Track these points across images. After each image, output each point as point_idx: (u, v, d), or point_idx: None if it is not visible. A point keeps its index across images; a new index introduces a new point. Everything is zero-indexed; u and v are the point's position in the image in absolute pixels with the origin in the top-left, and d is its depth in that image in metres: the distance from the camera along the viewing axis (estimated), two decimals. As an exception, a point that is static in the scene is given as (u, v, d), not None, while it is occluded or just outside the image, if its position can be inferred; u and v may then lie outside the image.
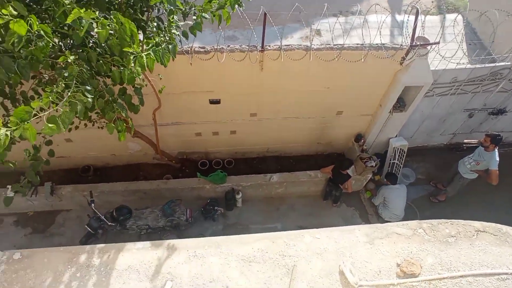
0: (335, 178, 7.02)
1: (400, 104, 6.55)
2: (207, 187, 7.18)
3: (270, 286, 3.64)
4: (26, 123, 2.44)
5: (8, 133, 2.36)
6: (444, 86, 6.50)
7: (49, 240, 6.94)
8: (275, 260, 3.88)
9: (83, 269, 3.84)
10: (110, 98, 3.62)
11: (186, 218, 6.63)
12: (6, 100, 3.70)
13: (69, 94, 2.77)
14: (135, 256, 4.01)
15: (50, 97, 2.70)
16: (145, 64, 3.11)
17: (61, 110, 2.74)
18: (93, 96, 3.01)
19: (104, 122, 5.34)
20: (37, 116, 2.57)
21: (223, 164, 7.92)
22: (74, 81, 2.87)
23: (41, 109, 2.74)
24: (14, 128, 2.40)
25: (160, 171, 7.91)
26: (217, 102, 6.22)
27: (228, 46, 5.17)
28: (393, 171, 7.37)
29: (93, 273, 3.80)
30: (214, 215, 7.28)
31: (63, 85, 2.81)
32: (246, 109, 6.62)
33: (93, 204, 6.07)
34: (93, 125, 5.12)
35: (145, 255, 4.01)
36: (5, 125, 2.43)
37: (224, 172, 7.04)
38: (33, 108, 2.50)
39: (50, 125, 2.59)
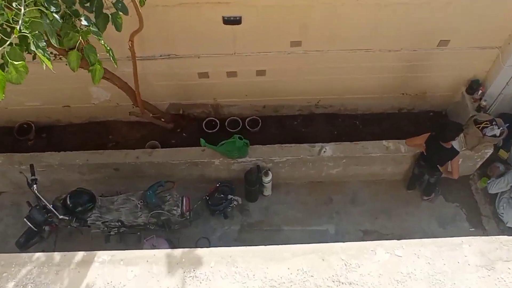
0: (430, 154, 6.97)
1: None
2: (216, 163, 7.30)
3: None
4: None
5: None
6: None
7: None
8: (328, 292, 3.97)
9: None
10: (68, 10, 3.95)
11: (182, 212, 6.79)
12: None
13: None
14: (97, 274, 4.04)
15: None
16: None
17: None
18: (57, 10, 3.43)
19: (58, 55, 5.49)
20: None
21: (243, 126, 7.98)
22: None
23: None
24: None
25: (140, 134, 8.01)
26: (236, 21, 6.32)
27: None
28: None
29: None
30: (226, 209, 7.39)
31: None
32: (284, 34, 6.66)
33: (35, 186, 6.17)
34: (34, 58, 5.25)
35: (114, 272, 4.04)
36: None
37: (245, 139, 7.10)
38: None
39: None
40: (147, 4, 5.25)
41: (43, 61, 3.74)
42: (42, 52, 3.60)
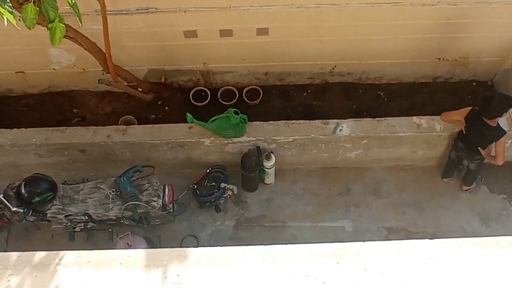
0: (470, 133, 6.91)
1: None
2: (206, 143, 7.30)
3: None
4: None
5: None
6: None
7: None
8: (345, 303, 3.93)
9: None
10: None
11: (164, 204, 6.79)
12: None
13: None
14: (59, 279, 3.98)
15: None
16: None
17: None
18: None
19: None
20: None
21: (240, 97, 7.97)
22: None
23: None
24: None
25: (112, 107, 8.02)
26: (231, -34, 6.22)
27: None
28: None
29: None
30: (218, 200, 7.40)
31: None
32: (292, -17, 6.55)
33: (-20, 170, 6.09)
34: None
35: (79, 277, 3.98)
36: None
37: (242, 113, 7.06)
38: None
39: None
40: None
41: (2, 15, 3.73)
42: (1, 3, 3.63)
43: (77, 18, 4.62)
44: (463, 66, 8.03)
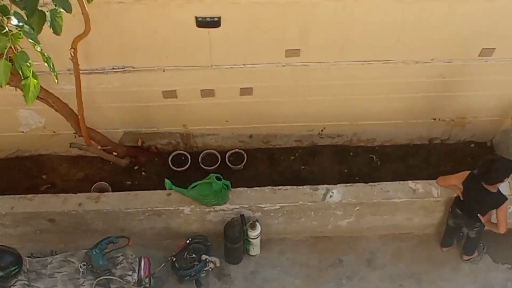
0: (468, 199, 6.86)
1: None
2: (185, 212, 7.26)
3: None
4: None
5: None
6: None
7: None
8: None
9: None
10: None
11: (139, 279, 6.67)
12: None
13: None
14: None
15: None
16: None
17: None
18: None
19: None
20: None
21: (223, 162, 7.98)
22: None
23: None
24: None
25: (84, 173, 8.00)
26: (213, 23, 6.31)
27: None
28: None
29: None
30: (199, 274, 7.28)
31: None
32: (277, 41, 6.67)
33: None
34: None
35: None
36: None
37: (225, 179, 7.03)
38: None
39: None
40: (96, 0, 5.26)
41: None
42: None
43: (52, 75, 4.61)
44: (460, 126, 8.08)
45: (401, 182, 7.33)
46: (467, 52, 6.89)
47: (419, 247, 7.86)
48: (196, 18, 6.15)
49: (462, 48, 6.83)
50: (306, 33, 6.51)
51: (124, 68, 6.77)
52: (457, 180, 6.87)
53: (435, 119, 7.94)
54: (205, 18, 6.16)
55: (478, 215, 6.90)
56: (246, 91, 7.23)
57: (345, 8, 6.17)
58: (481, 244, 7.59)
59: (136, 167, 8.00)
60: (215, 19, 6.18)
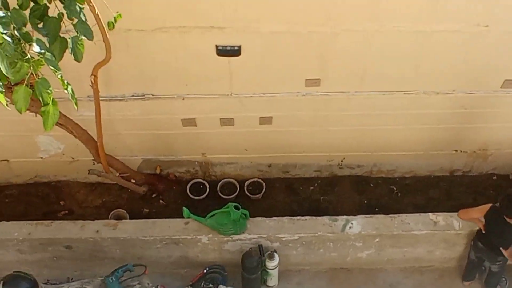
0: (490, 232, 6.82)
1: None
2: (203, 241, 7.22)
3: None
4: None
5: None
6: None
7: None
8: None
9: None
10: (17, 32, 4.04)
11: None
12: None
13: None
14: None
15: None
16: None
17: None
18: None
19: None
20: None
21: (241, 191, 7.98)
22: None
23: None
24: None
25: (102, 200, 8.00)
26: (233, 51, 6.34)
27: None
28: None
29: None
30: None
31: None
32: (297, 70, 6.70)
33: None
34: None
35: None
36: None
37: (243, 209, 7.04)
38: None
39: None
40: (117, 28, 5.32)
41: (17, 102, 3.76)
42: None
43: (72, 102, 4.63)
44: (482, 158, 8.04)
45: (422, 214, 7.28)
46: (489, 83, 6.89)
47: (440, 281, 7.76)
48: (217, 46, 6.22)
49: (484, 79, 6.83)
50: (326, 63, 6.56)
51: (143, 96, 6.82)
52: (478, 213, 6.85)
53: (456, 150, 7.92)
54: (226, 46, 6.23)
55: (501, 248, 6.83)
56: (265, 120, 7.25)
57: (365, 38, 6.23)
58: (504, 279, 7.48)
59: (154, 195, 7.99)
60: (235, 47, 6.24)
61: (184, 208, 7.16)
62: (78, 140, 6.65)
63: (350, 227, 7.14)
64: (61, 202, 7.96)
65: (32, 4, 4.40)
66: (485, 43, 6.30)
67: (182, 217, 7.17)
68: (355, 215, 7.27)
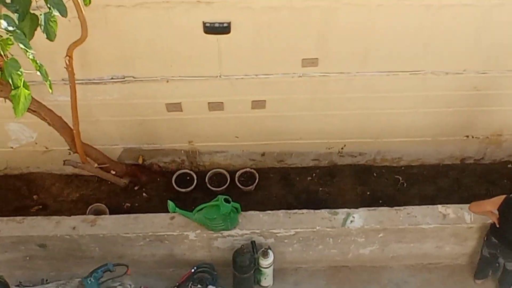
0: (506, 226, 6.77)
1: None
2: (190, 237, 7.26)
3: None
4: None
5: None
6: None
7: None
8: None
9: None
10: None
11: None
12: None
13: None
14: None
15: None
16: None
17: None
18: None
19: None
20: None
21: (232, 182, 8.01)
22: None
23: None
24: None
25: (79, 193, 8.02)
26: (222, 29, 6.34)
27: None
28: None
29: None
30: None
31: None
32: (293, 49, 6.71)
33: None
34: None
35: None
36: None
37: (234, 202, 7.08)
38: None
39: None
40: (94, 3, 5.28)
41: None
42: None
43: (46, 85, 4.61)
44: (496, 144, 8.07)
45: (430, 206, 7.28)
46: (503, 62, 6.89)
47: (450, 279, 7.78)
48: (204, 23, 6.18)
49: (498, 57, 6.83)
50: (324, 41, 6.53)
51: (124, 78, 6.80)
52: (492, 205, 6.81)
53: (468, 136, 7.94)
54: (214, 23, 6.19)
55: (517, 245, 6.84)
56: (258, 104, 7.25)
57: (368, 12, 6.20)
58: (520, 277, 7.51)
59: (136, 188, 8.01)
60: (225, 24, 6.21)
61: (170, 202, 7.16)
62: (52, 127, 6.62)
63: (351, 221, 7.14)
64: (34, 196, 7.96)
65: (-1, -23, 4.33)
66: (499, 18, 6.29)
67: (167, 211, 7.17)
68: (356, 208, 7.28)
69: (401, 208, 7.25)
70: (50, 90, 4.68)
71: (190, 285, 7.12)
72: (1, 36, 4.04)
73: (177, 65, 6.72)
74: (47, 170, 8.08)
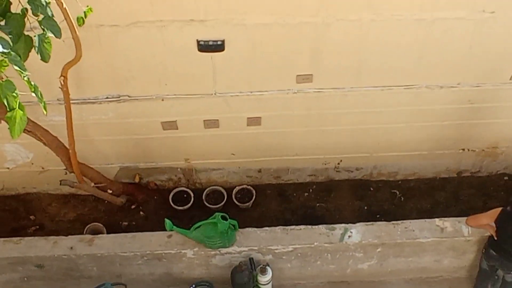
0: (504, 238, 6.76)
1: None
2: (188, 255, 7.24)
3: None
4: None
5: None
6: None
7: None
8: None
9: None
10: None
11: None
12: None
13: None
14: None
15: None
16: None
17: None
18: None
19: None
20: None
21: (229, 200, 7.98)
22: None
23: None
24: None
25: (76, 213, 7.99)
26: (216, 47, 6.34)
27: None
28: None
29: None
30: None
31: None
32: (287, 65, 6.69)
33: None
34: None
35: None
36: None
37: (231, 219, 7.03)
38: None
39: None
40: (88, 23, 5.31)
41: None
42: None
43: (41, 106, 4.60)
44: (492, 157, 8.06)
45: (427, 220, 7.26)
46: (498, 75, 6.88)
47: (449, 294, 7.73)
48: (198, 41, 6.19)
49: (492, 70, 6.83)
50: (318, 57, 6.53)
51: (119, 97, 6.79)
52: (488, 219, 6.80)
53: (463, 149, 7.92)
54: (208, 41, 6.20)
55: (517, 259, 6.83)
56: (253, 121, 7.24)
57: (361, 28, 6.20)
58: (520, 292, 7.48)
59: (133, 206, 8.00)
60: (219, 42, 6.21)
61: (167, 220, 7.11)
62: (48, 148, 6.61)
63: (349, 236, 7.13)
64: (31, 217, 7.93)
65: (-8, -1, 4.34)
66: (492, 31, 6.29)
67: (165, 229, 7.13)
68: (354, 223, 7.25)
69: (399, 222, 7.24)
70: (45, 112, 4.67)
71: (189, 303, 7.08)
72: (-5, 58, 4.03)
73: (172, 83, 6.70)
74: (44, 190, 8.06)
